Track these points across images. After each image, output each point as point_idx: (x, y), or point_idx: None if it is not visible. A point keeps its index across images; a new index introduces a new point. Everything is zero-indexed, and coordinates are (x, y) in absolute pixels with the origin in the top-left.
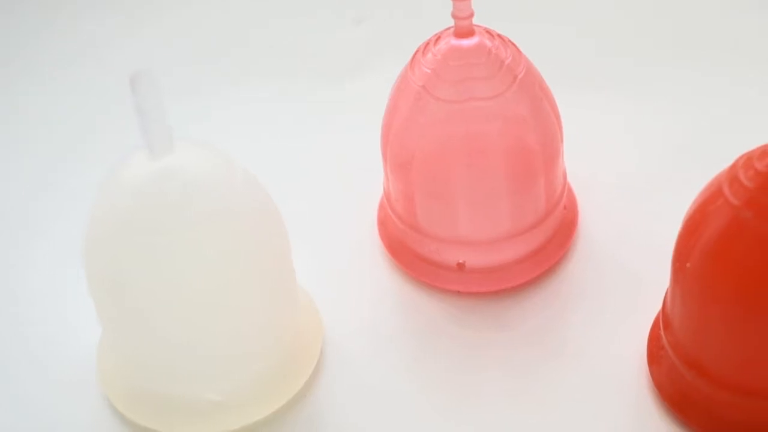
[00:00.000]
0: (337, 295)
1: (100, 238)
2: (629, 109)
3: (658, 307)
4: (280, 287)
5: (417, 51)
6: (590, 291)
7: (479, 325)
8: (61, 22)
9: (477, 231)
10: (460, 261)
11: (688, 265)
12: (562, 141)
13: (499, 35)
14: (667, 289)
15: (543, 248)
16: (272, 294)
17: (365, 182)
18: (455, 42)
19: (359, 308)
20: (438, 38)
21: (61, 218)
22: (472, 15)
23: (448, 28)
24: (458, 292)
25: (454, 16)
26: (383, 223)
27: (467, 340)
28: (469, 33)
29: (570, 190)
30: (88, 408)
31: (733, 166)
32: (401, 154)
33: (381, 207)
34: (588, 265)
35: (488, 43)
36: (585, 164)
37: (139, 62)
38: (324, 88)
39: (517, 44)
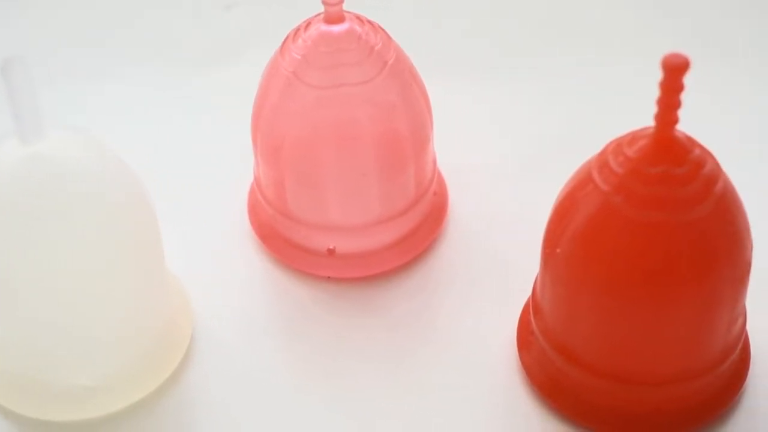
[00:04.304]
0: (208, 281)
1: None
2: (500, 97)
3: (529, 292)
4: (149, 272)
5: (287, 37)
6: (461, 277)
7: (349, 311)
8: None
9: (347, 217)
10: (330, 247)
11: (558, 250)
12: (432, 127)
13: (369, 21)
14: (537, 275)
15: (413, 234)
16: (142, 279)
17: (236, 168)
18: (325, 28)
19: (229, 294)
20: (308, 24)
21: None
22: (342, 1)
23: (318, 14)
24: (328, 277)
25: (324, 2)
26: (253, 209)
27: (337, 326)
28: (339, 19)
29: (440, 177)
30: None
31: (603, 152)
32: (271, 140)
33: (251, 193)
34: (458, 250)
35: (358, 29)
36: (456, 151)
37: (12, 48)
38: (195, 74)
39: (388, 31)
